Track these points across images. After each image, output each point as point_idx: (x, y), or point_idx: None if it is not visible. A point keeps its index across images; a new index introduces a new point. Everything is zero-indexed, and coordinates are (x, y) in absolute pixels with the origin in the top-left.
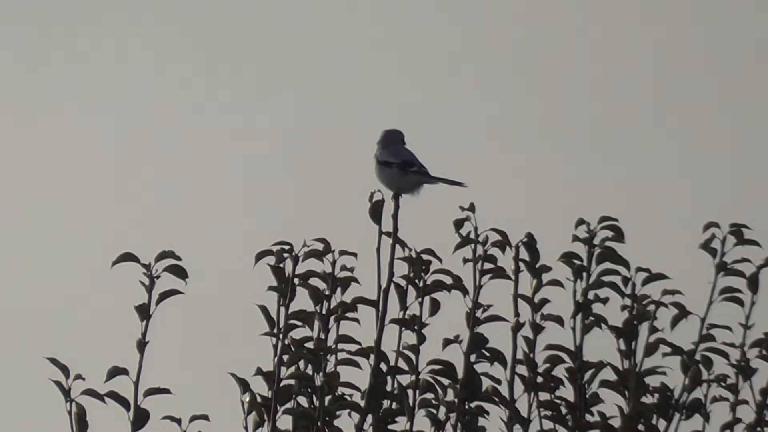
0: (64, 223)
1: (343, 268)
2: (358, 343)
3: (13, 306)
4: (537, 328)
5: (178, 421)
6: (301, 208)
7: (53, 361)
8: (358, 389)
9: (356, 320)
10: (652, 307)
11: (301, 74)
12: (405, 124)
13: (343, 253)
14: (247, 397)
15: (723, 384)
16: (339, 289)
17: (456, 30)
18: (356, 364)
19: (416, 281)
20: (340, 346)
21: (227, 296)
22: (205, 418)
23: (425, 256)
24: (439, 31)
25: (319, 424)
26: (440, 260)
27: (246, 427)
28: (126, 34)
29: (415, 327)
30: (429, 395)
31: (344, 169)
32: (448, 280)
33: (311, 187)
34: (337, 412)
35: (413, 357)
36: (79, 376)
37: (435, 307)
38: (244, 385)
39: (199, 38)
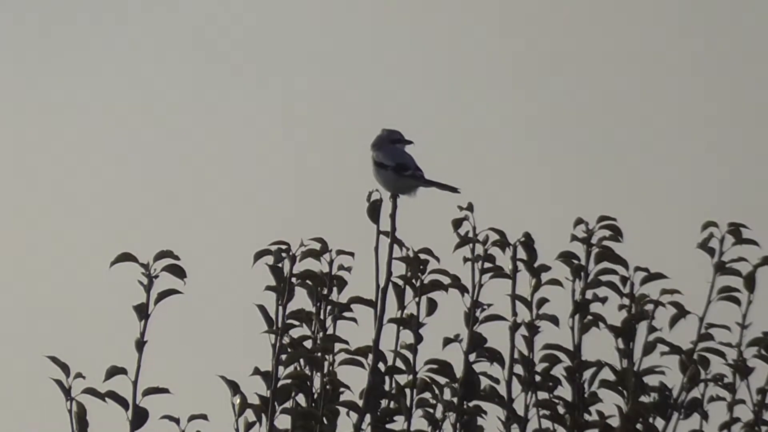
0: (64, 223)
1: (341, 267)
2: (346, 342)
3: (13, 306)
4: (533, 328)
5: (177, 421)
6: (299, 208)
7: (54, 359)
8: (347, 386)
9: (354, 320)
10: (650, 307)
11: (300, 74)
12: (404, 124)
13: (340, 252)
14: (237, 399)
15: (720, 383)
16: (335, 289)
17: (455, 29)
18: (359, 363)
19: (413, 281)
20: (338, 345)
21: (226, 296)
22: (204, 417)
23: (423, 256)
24: (438, 31)
25: (322, 422)
26: (438, 260)
27: (237, 429)
28: (125, 34)
29: (412, 327)
30: (426, 395)
31: (343, 169)
32: (446, 280)
33: (310, 187)
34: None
35: (410, 357)
36: (79, 375)
37: (432, 306)
38: (234, 387)
39: (198, 38)
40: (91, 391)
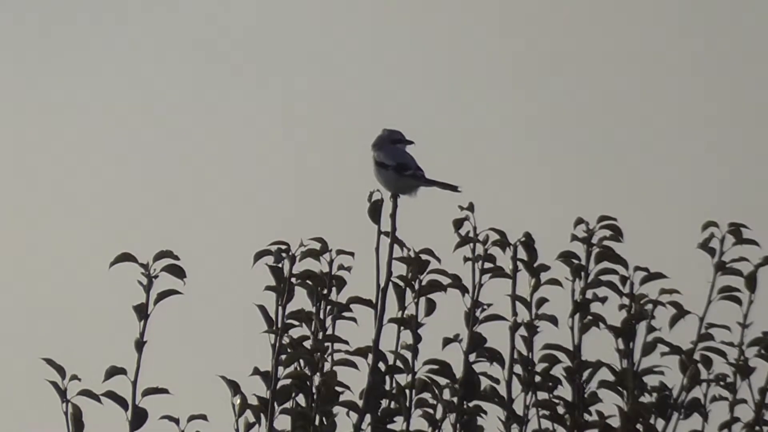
0: (64, 223)
1: (340, 267)
2: (346, 342)
3: (13, 306)
4: (532, 328)
5: (176, 421)
6: (299, 208)
7: (49, 361)
8: (347, 387)
9: (353, 319)
10: (649, 307)
11: (300, 74)
12: (404, 124)
13: (340, 252)
14: (237, 400)
15: (722, 383)
16: (335, 289)
17: (455, 29)
18: (352, 364)
19: (413, 282)
20: (337, 345)
21: (226, 296)
22: (203, 417)
23: (424, 256)
24: (438, 31)
25: (316, 423)
26: (439, 260)
27: (237, 429)
28: (125, 34)
29: (411, 327)
30: (426, 395)
31: (343, 169)
32: (445, 280)
33: (310, 187)
34: (335, 412)
35: (409, 357)
36: (75, 377)
37: (431, 307)
38: (234, 388)
39: (198, 38)
40: (87, 393)
